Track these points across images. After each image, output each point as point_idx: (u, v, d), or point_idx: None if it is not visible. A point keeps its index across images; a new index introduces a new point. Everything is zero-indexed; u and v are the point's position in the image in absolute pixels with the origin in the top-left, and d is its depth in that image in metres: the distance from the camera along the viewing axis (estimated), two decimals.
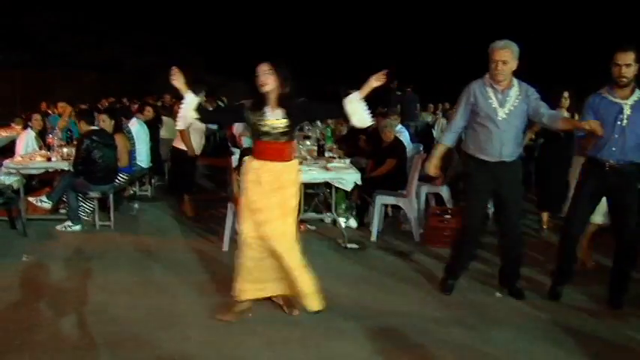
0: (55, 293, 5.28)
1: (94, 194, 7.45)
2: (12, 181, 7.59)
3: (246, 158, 4.71)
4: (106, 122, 7.69)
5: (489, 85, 4.89)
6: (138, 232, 7.34)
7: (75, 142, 7.74)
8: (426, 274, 5.86)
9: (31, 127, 8.69)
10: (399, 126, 8.73)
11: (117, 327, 4.57)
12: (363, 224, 7.50)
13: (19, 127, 9.94)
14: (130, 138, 8.11)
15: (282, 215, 4.53)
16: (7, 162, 7.65)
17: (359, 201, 7.71)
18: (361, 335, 4.48)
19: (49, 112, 10.27)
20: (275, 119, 4.42)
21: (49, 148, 7.95)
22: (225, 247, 6.59)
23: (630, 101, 4.73)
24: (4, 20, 18.78)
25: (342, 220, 7.30)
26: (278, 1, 28.72)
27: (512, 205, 5.09)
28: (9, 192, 7.33)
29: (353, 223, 7.47)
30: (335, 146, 8.61)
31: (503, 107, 4.84)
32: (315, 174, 6.71)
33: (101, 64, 21.89)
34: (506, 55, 4.74)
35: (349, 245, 6.66)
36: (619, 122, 4.71)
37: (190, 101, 4.52)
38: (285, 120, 4.44)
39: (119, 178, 7.69)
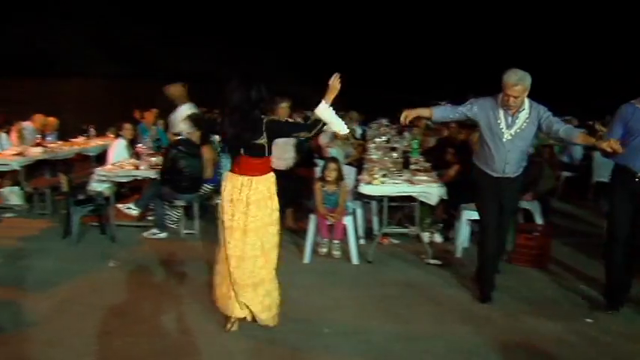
0: (136, 299, 5.37)
1: (179, 203, 7.58)
2: (103, 188, 7.83)
3: (227, 173, 4.74)
4: (192, 132, 7.80)
5: (501, 107, 5.09)
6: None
7: (163, 152, 7.90)
8: (510, 293, 5.62)
9: (123, 136, 8.95)
10: None
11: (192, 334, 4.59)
12: (449, 239, 7.27)
13: (112, 136, 10.28)
14: (216, 148, 8.20)
15: (261, 227, 4.56)
16: (98, 170, 7.91)
17: (445, 215, 7.51)
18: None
19: (141, 120, 10.55)
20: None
21: (138, 156, 8.16)
22: (306, 259, 6.57)
23: None
24: (105, 34, 19.58)
25: (425, 235, 7.10)
26: (366, 15, 28.65)
27: (507, 213, 5.43)
28: (100, 199, 7.57)
29: (438, 238, 7.27)
30: (421, 158, 8.42)
31: (510, 129, 5.09)
32: (400, 187, 6.56)
33: (200, 74, 22.44)
34: (519, 91, 4.88)
35: (431, 261, 6.48)
36: None
37: (187, 111, 4.64)
38: (263, 138, 4.46)
39: (205, 187, 7.78)
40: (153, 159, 7.95)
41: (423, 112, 5.42)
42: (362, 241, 7.22)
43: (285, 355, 4.35)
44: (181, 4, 22.65)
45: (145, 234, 7.56)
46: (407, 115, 5.31)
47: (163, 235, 7.54)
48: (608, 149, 4.60)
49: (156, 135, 9.61)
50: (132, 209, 7.60)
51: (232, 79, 4.50)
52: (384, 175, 6.82)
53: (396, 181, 6.62)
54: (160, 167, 7.43)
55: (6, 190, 8.97)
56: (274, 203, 4.63)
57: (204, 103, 16.77)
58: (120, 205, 7.71)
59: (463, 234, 6.90)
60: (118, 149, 8.67)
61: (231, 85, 4.48)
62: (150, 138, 9.14)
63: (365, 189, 6.58)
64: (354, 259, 6.51)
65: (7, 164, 8.49)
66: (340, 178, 6.74)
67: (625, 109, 4.94)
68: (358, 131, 12.36)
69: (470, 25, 24.72)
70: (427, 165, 7.89)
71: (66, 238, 7.20)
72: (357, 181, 7.03)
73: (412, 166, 7.58)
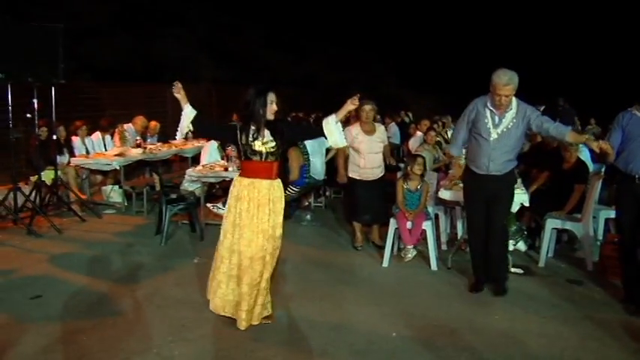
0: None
1: None
2: (194, 188, 8.16)
3: (236, 177, 4.93)
4: None
5: (489, 107, 5.29)
6: (305, 243, 7.51)
7: None
8: (592, 307, 5.45)
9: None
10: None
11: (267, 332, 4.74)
12: (534, 248, 7.08)
13: (206, 139, 10.64)
14: (304, 152, 8.35)
15: (263, 231, 4.70)
16: (189, 170, 8.24)
17: (532, 223, 7.33)
18: None
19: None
20: (264, 141, 4.68)
21: (228, 158, 8.43)
22: (386, 262, 6.58)
23: None
24: (213, 40, 20.24)
25: (509, 243, 6.93)
26: (470, 17, 28.27)
27: (498, 212, 5.53)
28: (191, 198, 7.89)
29: (522, 246, 7.06)
30: None
31: (497, 128, 5.28)
32: None
33: (298, 80, 22.84)
34: (509, 90, 5.08)
35: (513, 269, 6.32)
36: None
37: (188, 113, 4.80)
38: (272, 142, 4.70)
39: (290, 189, 7.93)
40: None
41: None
42: (444, 247, 7.15)
43: (349, 358, 4.40)
44: (288, 10, 23.09)
45: None
46: None
47: None
48: (597, 150, 4.93)
49: None
50: (220, 209, 7.87)
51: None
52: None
53: None
54: None
55: (107, 188, 9.51)
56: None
57: (304, 107, 17.08)
58: (209, 205, 8.01)
59: (548, 243, 6.70)
60: (210, 151, 8.99)
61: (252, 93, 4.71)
62: None
63: (444, 194, 6.54)
64: (433, 265, 6.46)
65: (109, 164, 8.98)
66: (423, 176, 6.71)
67: (622, 116, 5.18)
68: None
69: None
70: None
71: (157, 235, 7.53)
72: (439, 186, 6.98)
73: None
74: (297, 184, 8.09)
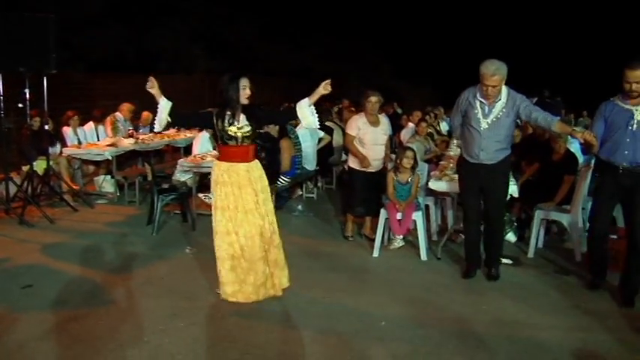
0: (205, 284, 5.60)
1: None
2: (186, 178, 8.20)
3: (215, 162, 5.13)
4: (270, 127, 8.02)
5: (478, 97, 5.38)
6: (297, 233, 7.53)
7: None
8: (580, 296, 5.51)
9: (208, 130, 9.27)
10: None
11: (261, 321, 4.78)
12: (524, 239, 7.13)
13: (198, 129, 10.64)
14: (295, 143, 8.38)
15: (251, 210, 4.94)
16: (181, 160, 8.28)
17: (522, 214, 7.38)
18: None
19: None
20: (239, 126, 4.89)
21: None
22: (376, 252, 6.63)
23: None
24: (206, 31, 20.18)
25: None
26: (466, 8, 28.31)
27: (493, 200, 5.66)
28: (183, 188, 7.92)
29: (511, 237, 7.12)
30: None
31: (487, 118, 5.37)
32: None
33: (293, 70, 22.81)
34: (496, 81, 5.18)
35: (503, 260, 6.33)
36: (630, 127, 5.05)
37: (165, 105, 4.92)
38: (248, 126, 4.91)
39: (281, 180, 7.98)
40: None
41: None
42: (435, 238, 7.20)
43: (339, 344, 4.45)
44: (283, 0, 23.04)
45: None
46: None
47: None
48: (582, 140, 5.12)
49: None
50: (211, 198, 7.88)
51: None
52: (455, 172, 6.76)
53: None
54: None
55: (100, 178, 9.52)
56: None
57: (298, 97, 17.07)
58: (201, 195, 8.05)
59: (537, 234, 6.77)
60: (201, 141, 9.01)
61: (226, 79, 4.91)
62: None
63: (434, 184, 6.59)
64: (423, 255, 6.51)
65: (101, 154, 9.00)
66: (414, 168, 6.75)
67: (605, 106, 5.28)
68: (444, 127, 12.26)
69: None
70: None
71: (149, 225, 7.56)
72: (429, 177, 7.02)
73: None
74: (288, 175, 8.13)
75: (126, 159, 9.88)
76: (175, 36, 18.80)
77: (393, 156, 7.28)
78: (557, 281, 5.93)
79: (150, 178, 8.10)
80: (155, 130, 5.56)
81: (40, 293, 5.32)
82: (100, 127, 10.32)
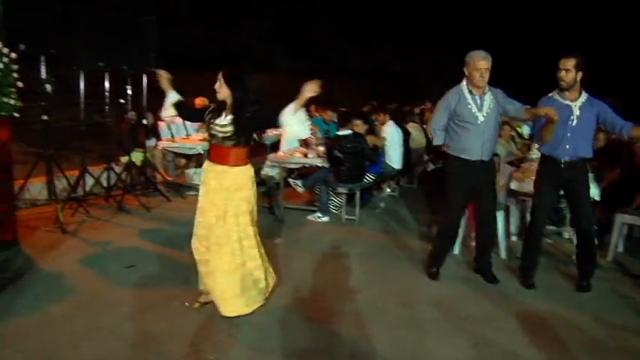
0: (293, 271, 5.97)
1: (342, 190, 8.10)
2: (274, 173, 8.57)
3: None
4: (359, 126, 8.29)
5: (468, 92, 5.44)
6: (377, 229, 7.82)
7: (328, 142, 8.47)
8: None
9: None
10: None
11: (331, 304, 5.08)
12: (604, 243, 7.13)
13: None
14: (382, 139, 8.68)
15: (222, 217, 4.67)
16: (270, 156, 8.68)
17: (603, 218, 7.39)
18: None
19: (316, 114, 11.21)
20: (222, 124, 4.61)
21: (307, 146, 8.81)
22: (456, 250, 6.78)
23: (578, 103, 5.33)
24: (283, 30, 20.62)
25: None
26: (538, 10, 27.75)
27: (488, 198, 5.73)
28: (271, 182, 8.31)
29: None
30: None
31: (481, 111, 5.40)
32: None
33: (368, 70, 23.00)
34: (488, 63, 5.31)
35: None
36: (570, 122, 5.30)
37: (172, 98, 5.00)
38: (230, 126, 4.58)
39: (367, 177, 8.25)
40: (321, 148, 8.54)
41: None
42: (514, 238, 7.31)
43: (407, 337, 4.69)
44: (358, 1, 23.23)
45: (310, 217, 8.20)
46: None
47: (326, 219, 8.13)
48: (543, 113, 5.09)
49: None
50: (299, 186, 8.29)
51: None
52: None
53: None
54: (327, 156, 8.00)
55: (191, 171, 10.02)
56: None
57: (374, 96, 17.27)
58: (290, 179, 8.42)
59: (617, 238, 6.81)
60: (289, 138, 9.35)
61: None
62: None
63: (515, 185, 6.71)
64: (502, 254, 6.65)
65: (194, 148, 9.50)
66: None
67: (545, 101, 5.45)
68: (526, 131, 12.23)
69: None
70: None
71: None
72: (511, 179, 7.13)
73: None
74: (373, 172, 8.37)
75: None
76: (257, 34, 19.28)
77: None
78: (633, 285, 5.99)
79: None
80: (161, 115, 5.42)
81: (141, 272, 5.80)
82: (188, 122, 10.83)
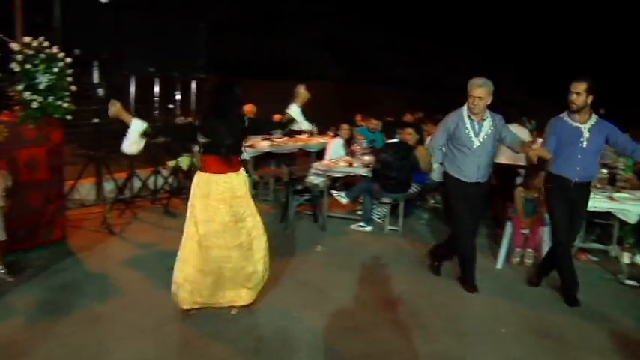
0: (333, 280, 5.99)
1: (387, 200, 8.10)
2: (319, 181, 8.61)
3: (200, 173, 4.91)
4: (411, 135, 8.27)
5: (467, 117, 5.60)
6: (420, 240, 7.75)
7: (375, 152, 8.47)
8: None
9: (340, 136, 9.69)
10: None
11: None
12: None
13: (331, 135, 11.08)
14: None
15: (236, 222, 4.84)
16: (316, 164, 8.72)
17: None
18: None
19: (362, 123, 11.24)
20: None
21: (352, 155, 8.83)
22: (499, 264, 6.72)
23: (588, 125, 5.42)
24: (333, 38, 20.69)
25: (626, 255, 6.90)
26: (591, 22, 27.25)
27: (477, 217, 5.92)
28: (316, 191, 8.35)
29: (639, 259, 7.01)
30: (632, 176, 8.10)
31: (478, 136, 5.57)
32: (596, 202, 6.40)
33: (419, 81, 22.91)
34: (483, 92, 5.46)
35: (627, 281, 6.32)
36: (580, 144, 5.40)
37: (138, 126, 4.59)
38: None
39: (412, 188, 8.22)
40: (366, 158, 8.55)
41: None
42: None
43: (448, 350, 4.66)
44: (409, 11, 23.19)
45: (353, 226, 8.20)
46: None
47: (369, 228, 8.12)
48: (534, 158, 5.40)
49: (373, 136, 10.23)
50: (342, 197, 8.30)
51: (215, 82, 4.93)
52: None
53: (595, 196, 6.51)
54: (372, 166, 8.01)
55: None
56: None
57: (423, 108, 17.20)
58: (333, 191, 8.45)
59: None
60: (335, 147, 9.44)
61: (220, 88, 4.90)
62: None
63: None
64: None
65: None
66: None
67: (554, 122, 5.59)
68: None
69: None
70: (638, 183, 7.60)
71: (282, 223, 8.04)
72: None
73: (619, 184, 7.34)
74: (418, 182, 8.33)
75: (260, 160, 10.44)
76: (306, 42, 19.40)
77: (523, 171, 7.36)
78: None
79: (286, 179, 8.59)
80: (124, 150, 4.73)
81: None
82: None
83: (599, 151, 5.64)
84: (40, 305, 5.06)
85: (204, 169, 4.86)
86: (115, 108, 4.56)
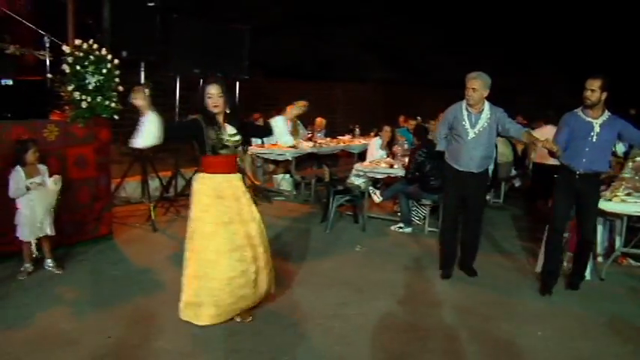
0: (373, 279, 6.05)
1: (426, 201, 8.11)
2: (360, 182, 8.68)
3: (200, 175, 4.78)
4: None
5: (465, 109, 5.89)
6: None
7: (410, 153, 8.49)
8: None
9: (381, 137, 9.74)
10: None
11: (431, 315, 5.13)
12: None
13: (373, 136, 11.14)
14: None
15: (249, 221, 4.82)
16: (357, 165, 8.79)
17: None
18: None
19: (403, 125, 11.27)
20: (231, 134, 4.67)
21: (393, 156, 8.88)
22: (538, 267, 6.65)
23: (600, 121, 5.57)
24: (378, 41, 20.69)
25: None
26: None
27: (475, 206, 6.18)
28: (357, 191, 8.42)
29: None
30: None
31: (474, 128, 5.84)
32: (634, 206, 6.39)
33: (461, 82, 22.74)
34: (477, 84, 5.74)
35: None
36: (589, 138, 5.56)
37: (152, 120, 4.31)
38: (238, 135, 4.74)
39: None
40: (406, 159, 8.57)
41: None
42: (600, 259, 7.10)
43: (492, 352, 4.68)
44: (455, 12, 23.03)
45: (392, 227, 8.24)
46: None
47: (408, 230, 8.15)
48: (540, 146, 5.65)
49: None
50: (376, 195, 8.37)
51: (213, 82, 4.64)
52: (627, 194, 6.65)
53: (638, 201, 6.43)
54: (406, 167, 8.03)
55: (279, 176, 10.29)
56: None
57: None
58: (370, 188, 8.51)
59: None
60: (376, 148, 9.48)
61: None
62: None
63: (603, 205, 6.49)
64: (587, 274, 6.47)
65: (283, 154, 9.73)
66: None
67: (568, 116, 5.77)
68: (620, 149, 11.82)
69: None
70: None
71: (323, 223, 8.14)
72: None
73: None
74: None
75: (302, 160, 10.57)
76: (350, 44, 19.43)
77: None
78: None
79: (327, 179, 8.68)
80: (134, 145, 4.50)
81: None
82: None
83: (609, 147, 5.84)
84: (86, 297, 5.27)
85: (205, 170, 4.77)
86: (139, 95, 4.27)
